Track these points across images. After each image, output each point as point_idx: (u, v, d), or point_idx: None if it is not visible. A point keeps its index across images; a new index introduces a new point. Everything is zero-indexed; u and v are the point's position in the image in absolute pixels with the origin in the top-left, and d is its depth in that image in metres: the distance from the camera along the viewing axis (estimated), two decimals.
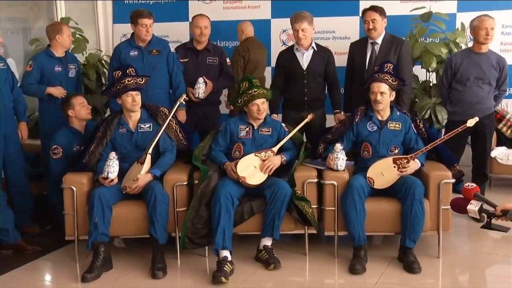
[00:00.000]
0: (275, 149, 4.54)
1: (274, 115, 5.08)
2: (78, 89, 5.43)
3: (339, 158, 4.45)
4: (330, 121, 5.20)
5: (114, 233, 4.36)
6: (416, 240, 4.24)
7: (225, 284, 3.98)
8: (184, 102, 4.73)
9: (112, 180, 4.26)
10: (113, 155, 4.27)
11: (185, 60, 5.20)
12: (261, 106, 4.44)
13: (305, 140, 4.98)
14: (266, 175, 4.37)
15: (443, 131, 5.21)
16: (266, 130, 4.65)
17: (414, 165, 4.32)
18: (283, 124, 4.63)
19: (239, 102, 4.54)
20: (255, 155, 4.51)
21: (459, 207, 2.73)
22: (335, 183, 4.45)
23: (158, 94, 5.03)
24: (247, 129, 4.63)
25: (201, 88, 5.10)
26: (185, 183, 4.49)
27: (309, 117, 4.80)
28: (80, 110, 4.81)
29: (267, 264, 4.23)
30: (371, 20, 4.94)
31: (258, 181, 4.35)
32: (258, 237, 4.37)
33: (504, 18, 6.09)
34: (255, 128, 4.56)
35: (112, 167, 4.24)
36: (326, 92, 5.18)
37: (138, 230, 4.35)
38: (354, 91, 5.02)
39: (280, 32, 6.73)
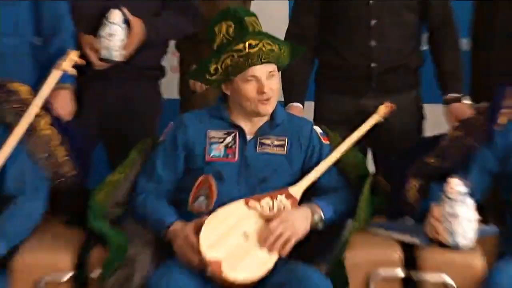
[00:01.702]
0: (297, 189, 2.53)
1: (296, 104, 2.95)
2: None
3: (460, 217, 2.46)
4: (434, 120, 3.17)
5: None
6: None
7: None
8: (71, 72, 2.69)
9: None
10: None
11: None
12: (266, 83, 2.46)
13: (371, 167, 3.05)
14: (274, 258, 2.37)
15: None
16: (277, 141, 2.56)
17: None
18: (316, 128, 2.61)
19: (213, 72, 2.55)
20: (248, 205, 2.45)
21: None
22: (453, 283, 2.47)
23: (7, 48, 2.94)
24: (229, 140, 2.55)
25: (116, 37, 2.96)
26: (67, 277, 2.52)
27: (383, 109, 2.76)
28: None
29: None
30: None
31: (251, 273, 2.34)
32: None
33: None
34: (249, 137, 2.56)
35: None
36: (422, 49, 3.17)
37: None
38: (495, 55, 3.05)
39: None
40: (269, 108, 2.46)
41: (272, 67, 2.45)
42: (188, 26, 3.06)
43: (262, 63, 2.45)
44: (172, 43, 3.38)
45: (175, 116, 2.74)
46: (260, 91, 2.43)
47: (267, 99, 2.43)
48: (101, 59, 2.91)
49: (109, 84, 2.96)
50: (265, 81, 2.43)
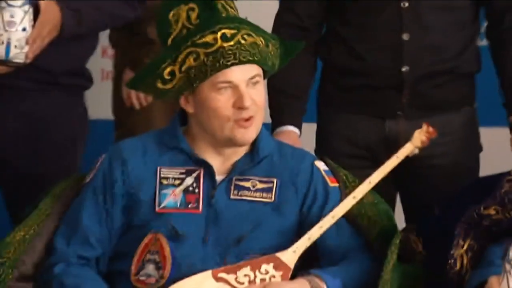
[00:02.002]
0: (290, 255, 2.02)
1: (289, 129, 2.39)
2: None
3: None
4: (493, 151, 2.62)
5: None
6: None
7: None
8: None
9: None
10: None
11: None
12: (247, 93, 1.94)
13: (400, 221, 2.39)
14: None
15: None
16: (260, 184, 2.03)
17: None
18: (320, 165, 2.08)
19: (168, 77, 2.04)
20: (217, 279, 2.02)
21: None
22: None
23: None
24: (189, 181, 2.01)
25: (17, 26, 2.39)
26: None
27: (419, 136, 2.17)
28: None
29: None
30: None
31: None
32: None
33: None
34: (220, 177, 2.02)
35: None
36: (479, 45, 2.56)
37: None
38: None
39: None
40: (250, 133, 1.95)
41: (256, 70, 1.94)
42: (128, 8, 2.47)
43: (241, 62, 1.95)
44: (104, 36, 2.79)
45: (108, 145, 2.20)
46: (239, 105, 1.92)
47: (248, 119, 1.93)
48: None
49: (5, 98, 2.36)
50: (245, 89, 1.93)
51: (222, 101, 1.94)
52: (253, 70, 1.95)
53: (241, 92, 1.93)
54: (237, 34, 1.99)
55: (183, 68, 2.00)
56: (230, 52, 1.97)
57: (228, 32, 1.98)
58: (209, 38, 1.96)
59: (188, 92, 1.99)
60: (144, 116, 3.05)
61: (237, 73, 1.94)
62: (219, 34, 1.98)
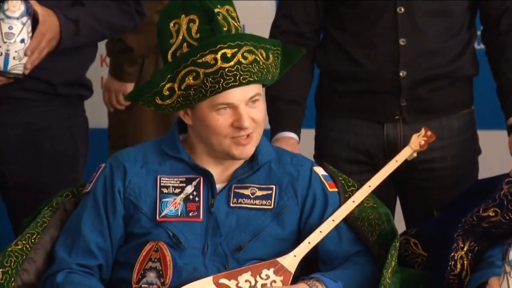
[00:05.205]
0: (291, 260, 2.04)
1: (288, 135, 2.41)
2: None
3: None
4: (491, 154, 2.64)
5: None
6: None
7: None
8: None
9: None
10: None
11: None
12: (246, 113, 1.93)
13: (400, 224, 2.36)
14: None
15: None
16: (260, 191, 2.03)
17: None
18: (319, 170, 2.11)
19: (167, 93, 2.03)
20: (218, 285, 2.03)
21: None
22: None
23: None
24: (190, 190, 2.00)
25: (15, 37, 2.41)
26: None
27: (417, 140, 2.23)
28: None
29: None
30: None
31: None
32: None
33: None
34: (220, 185, 2.04)
35: None
36: (472, 48, 2.54)
37: None
38: None
39: None
40: (249, 150, 1.97)
41: (256, 88, 1.94)
42: (126, 19, 2.46)
43: (241, 84, 1.93)
44: (102, 45, 2.77)
45: (103, 157, 2.25)
46: (237, 125, 1.93)
47: (247, 137, 1.95)
48: None
49: (5, 109, 2.38)
50: (244, 109, 1.92)
51: (221, 121, 1.94)
52: (253, 89, 1.95)
53: (241, 113, 1.93)
54: (237, 53, 1.97)
55: (182, 86, 1.99)
56: (230, 73, 1.95)
57: (228, 52, 1.96)
58: (209, 58, 1.94)
59: (185, 110, 2.01)
60: (135, 125, 2.92)
61: (237, 94, 1.94)
62: (219, 54, 1.96)
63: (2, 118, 2.50)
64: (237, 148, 1.95)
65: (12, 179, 2.55)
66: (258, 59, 1.97)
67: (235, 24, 2.01)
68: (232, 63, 1.95)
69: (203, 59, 1.93)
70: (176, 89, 2.00)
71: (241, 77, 1.93)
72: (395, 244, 2.04)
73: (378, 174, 2.20)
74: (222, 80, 1.92)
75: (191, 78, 1.97)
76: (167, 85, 2.00)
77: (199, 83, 1.94)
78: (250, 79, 1.94)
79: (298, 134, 2.42)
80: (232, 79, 1.92)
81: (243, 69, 1.95)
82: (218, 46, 1.92)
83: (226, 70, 1.93)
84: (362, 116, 2.48)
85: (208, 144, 1.97)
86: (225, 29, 1.98)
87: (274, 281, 2.00)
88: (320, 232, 2.02)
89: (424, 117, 2.41)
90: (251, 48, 1.97)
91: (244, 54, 1.98)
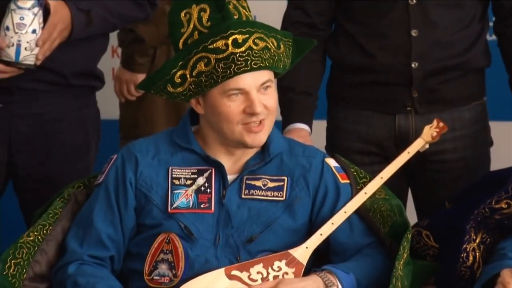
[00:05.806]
0: (303, 252, 2.03)
1: (300, 126, 2.38)
2: None
3: None
4: (502, 145, 2.65)
5: None
6: None
7: None
8: None
9: None
10: None
11: None
12: (257, 99, 1.92)
13: (412, 216, 2.39)
14: None
15: None
16: (271, 183, 2.00)
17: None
18: (330, 162, 2.09)
19: (179, 81, 2.00)
20: (230, 276, 2.01)
21: None
22: None
23: None
24: (201, 181, 1.99)
25: (27, 28, 2.37)
26: None
27: (429, 131, 2.19)
28: None
29: None
30: None
31: None
32: None
33: None
34: (231, 177, 2.01)
35: None
36: (484, 40, 2.49)
37: None
38: None
39: None
40: (261, 137, 1.95)
41: (267, 75, 1.93)
42: (138, 9, 2.44)
43: (253, 69, 1.92)
44: (113, 36, 2.76)
45: (114, 147, 2.21)
46: (249, 111, 1.91)
47: (259, 123, 1.94)
48: (5, 62, 2.32)
49: (17, 100, 2.34)
50: (256, 96, 1.91)
51: (233, 107, 1.94)
52: (265, 75, 1.94)
53: (252, 99, 1.92)
54: (248, 39, 1.96)
55: (194, 73, 1.98)
56: (241, 58, 1.94)
57: (239, 37, 1.96)
58: (220, 44, 1.94)
59: (196, 98, 2.00)
60: (147, 116, 2.92)
61: (248, 79, 1.93)
62: (230, 39, 1.95)
63: (14, 109, 2.47)
64: (249, 135, 1.93)
65: (24, 170, 2.53)
66: (269, 46, 1.96)
67: (246, 13, 2.01)
68: (243, 48, 1.94)
69: (214, 45, 1.93)
70: (188, 76, 1.99)
71: (252, 62, 1.93)
72: (407, 236, 2.03)
73: (390, 166, 2.17)
74: (233, 65, 1.91)
75: (202, 64, 1.96)
76: (179, 73, 1.99)
77: (211, 69, 1.94)
78: (262, 64, 1.93)
79: (310, 125, 2.40)
80: (244, 64, 1.92)
81: (254, 54, 1.95)
82: (229, 32, 1.91)
83: (237, 55, 1.92)
84: (374, 108, 2.46)
85: (220, 132, 1.95)
86: (235, 17, 1.97)
87: (286, 273, 1.99)
88: (332, 223, 2.00)
89: (435, 108, 2.39)
90: (262, 35, 1.96)
91: (255, 40, 1.97)
